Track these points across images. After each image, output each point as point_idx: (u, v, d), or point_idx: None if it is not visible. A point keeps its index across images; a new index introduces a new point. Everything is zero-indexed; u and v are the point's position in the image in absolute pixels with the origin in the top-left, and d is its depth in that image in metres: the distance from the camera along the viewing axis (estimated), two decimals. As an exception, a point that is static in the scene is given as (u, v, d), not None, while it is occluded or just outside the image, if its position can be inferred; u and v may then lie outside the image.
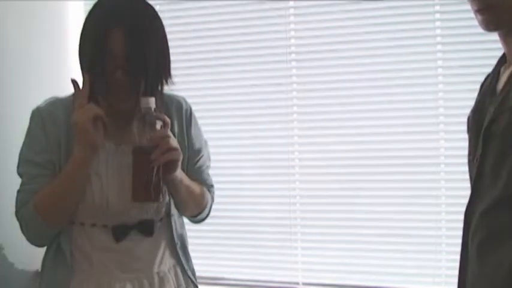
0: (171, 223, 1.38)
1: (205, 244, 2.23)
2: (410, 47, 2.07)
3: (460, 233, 0.99)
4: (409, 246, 2.09)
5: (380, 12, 2.08)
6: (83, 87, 1.23)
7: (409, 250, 2.09)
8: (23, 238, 1.31)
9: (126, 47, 1.19)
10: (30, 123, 1.31)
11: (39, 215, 1.24)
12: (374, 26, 2.10)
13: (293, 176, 2.23)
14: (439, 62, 2.05)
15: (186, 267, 1.42)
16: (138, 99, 1.22)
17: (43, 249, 1.37)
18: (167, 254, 1.38)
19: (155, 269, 1.35)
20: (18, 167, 1.31)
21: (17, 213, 1.30)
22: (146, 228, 1.32)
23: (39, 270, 2.07)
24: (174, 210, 1.39)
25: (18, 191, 1.30)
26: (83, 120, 1.18)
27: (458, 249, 0.99)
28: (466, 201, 0.99)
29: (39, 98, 1.37)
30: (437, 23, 2.05)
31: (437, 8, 2.04)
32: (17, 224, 1.30)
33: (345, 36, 2.14)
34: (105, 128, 1.22)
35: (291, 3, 2.20)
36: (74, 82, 1.24)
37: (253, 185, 2.29)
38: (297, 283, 2.22)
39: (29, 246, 1.33)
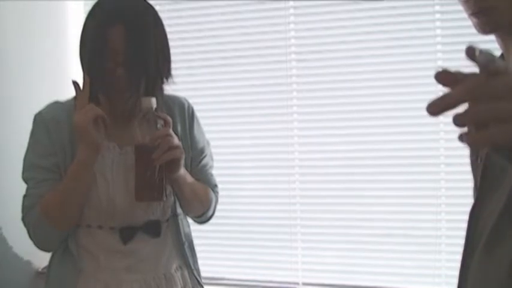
0: (177, 223, 1.38)
1: (205, 244, 2.22)
2: (410, 47, 2.07)
3: (460, 233, 0.99)
4: (409, 246, 2.09)
5: (380, 12, 2.09)
6: (83, 88, 1.23)
7: (409, 250, 2.09)
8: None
9: (126, 44, 1.19)
10: (33, 128, 1.31)
11: (45, 218, 1.24)
12: (374, 26, 2.10)
13: (293, 176, 2.23)
14: (439, 62, 2.05)
15: (193, 267, 1.42)
16: (139, 97, 1.23)
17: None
18: (173, 254, 1.38)
19: (162, 270, 1.35)
20: (23, 172, 1.30)
21: (23, 218, 1.29)
22: (153, 229, 1.33)
23: (40, 270, 2.08)
24: (179, 210, 1.39)
25: (25, 196, 1.29)
26: (83, 121, 1.18)
27: (458, 249, 0.98)
28: (466, 201, 0.99)
29: (39, 98, 1.37)
30: (437, 23, 2.05)
31: (437, 8, 2.04)
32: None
33: (345, 36, 2.14)
34: (106, 128, 1.22)
35: (291, 3, 2.20)
36: (75, 83, 1.24)
37: (253, 185, 2.29)
38: (297, 283, 2.22)
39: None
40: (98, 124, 1.20)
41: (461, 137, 0.55)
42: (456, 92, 0.56)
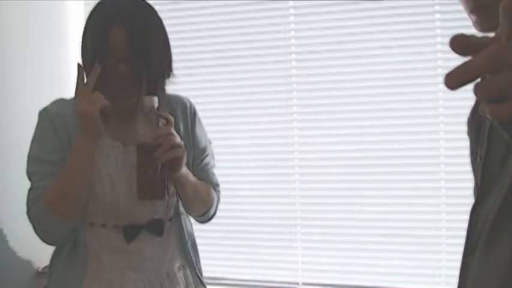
0: (181, 222, 1.39)
1: (206, 244, 2.21)
2: (410, 47, 2.07)
3: (460, 233, 0.99)
4: (409, 246, 2.09)
5: (380, 12, 2.09)
6: (90, 76, 1.22)
7: (409, 250, 2.10)
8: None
9: (127, 40, 1.20)
10: (38, 123, 1.31)
11: (49, 209, 1.23)
12: (374, 26, 2.10)
13: (293, 176, 2.23)
14: (439, 62, 2.05)
15: (195, 266, 1.42)
16: (141, 95, 1.23)
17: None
18: (176, 253, 1.39)
19: (165, 269, 1.35)
20: (28, 166, 1.30)
21: (28, 211, 1.28)
22: (156, 228, 1.33)
23: (40, 270, 2.08)
24: (182, 209, 1.39)
25: (30, 190, 1.28)
26: (91, 110, 1.18)
27: (459, 249, 0.99)
28: (466, 201, 0.99)
29: (39, 97, 1.37)
30: (437, 23, 2.06)
31: (437, 8, 2.04)
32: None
33: (345, 36, 2.14)
34: (107, 117, 1.22)
35: (291, 3, 2.20)
36: (80, 66, 1.23)
37: (253, 185, 2.29)
38: (297, 283, 2.23)
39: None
40: (100, 114, 1.20)
41: (484, 110, 0.48)
42: (479, 60, 0.48)
